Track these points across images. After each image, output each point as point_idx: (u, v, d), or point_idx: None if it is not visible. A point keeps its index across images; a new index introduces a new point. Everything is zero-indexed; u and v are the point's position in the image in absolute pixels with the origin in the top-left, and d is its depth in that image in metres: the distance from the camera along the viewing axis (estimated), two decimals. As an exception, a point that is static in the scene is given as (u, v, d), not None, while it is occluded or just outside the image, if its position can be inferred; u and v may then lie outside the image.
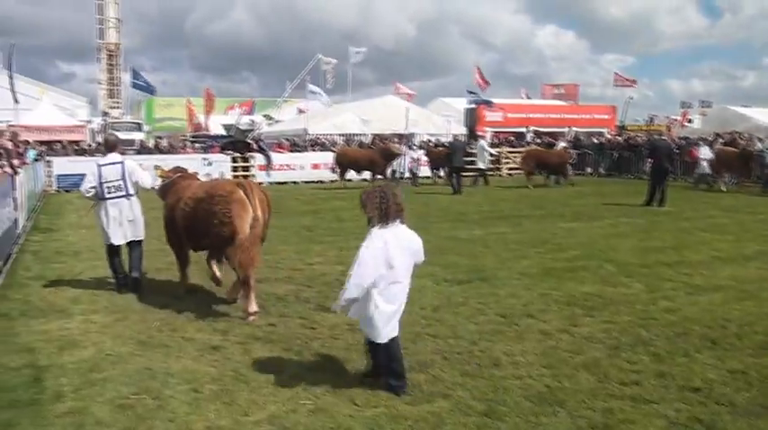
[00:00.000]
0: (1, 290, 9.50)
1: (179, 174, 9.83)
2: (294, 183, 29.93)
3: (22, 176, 15.53)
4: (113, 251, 9.39)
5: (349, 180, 27.66)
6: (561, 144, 30.82)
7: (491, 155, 29.83)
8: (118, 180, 9.18)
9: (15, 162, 14.65)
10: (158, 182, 9.95)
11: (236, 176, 28.34)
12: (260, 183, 28.04)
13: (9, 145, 17.95)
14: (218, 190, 8.26)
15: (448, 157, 25.83)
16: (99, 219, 9.35)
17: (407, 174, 29.02)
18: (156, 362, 6.41)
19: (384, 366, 5.70)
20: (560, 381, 5.83)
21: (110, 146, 9.76)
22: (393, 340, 5.64)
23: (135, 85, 43.74)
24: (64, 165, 27.20)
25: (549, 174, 27.85)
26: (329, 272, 10.43)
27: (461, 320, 7.72)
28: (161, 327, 7.56)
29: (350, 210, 18.67)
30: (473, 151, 28.21)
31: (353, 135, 38.66)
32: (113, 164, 9.26)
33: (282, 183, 29.34)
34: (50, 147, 31.27)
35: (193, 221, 8.43)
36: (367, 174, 27.67)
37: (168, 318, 7.96)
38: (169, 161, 21.78)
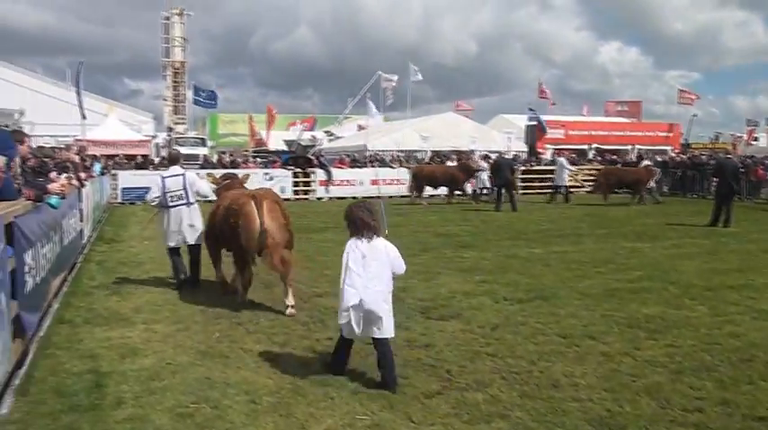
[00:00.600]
0: (66, 297, 9.71)
1: (227, 181, 10.71)
2: (353, 198, 30.02)
3: (88, 189, 15.87)
4: (174, 252, 10.45)
5: (410, 195, 27.67)
6: (645, 162, 30.32)
7: (570, 171, 29.65)
8: (180, 190, 10.23)
9: (82, 175, 14.96)
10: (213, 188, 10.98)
11: (296, 191, 28.77)
12: (319, 198, 28.80)
13: (76, 158, 18.42)
14: (234, 203, 9.14)
15: (493, 174, 25.66)
16: (161, 224, 10.46)
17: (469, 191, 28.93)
18: (216, 372, 6.46)
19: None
20: (621, 406, 5.67)
21: (172, 159, 11.05)
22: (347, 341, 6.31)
23: (196, 102, 44.45)
24: (129, 178, 28.14)
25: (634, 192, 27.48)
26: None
27: (520, 340, 7.60)
28: (221, 338, 7.63)
29: (407, 226, 18.66)
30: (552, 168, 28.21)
31: (412, 151, 38.75)
32: (176, 176, 10.37)
33: (342, 198, 29.54)
34: (117, 162, 32.09)
35: (222, 228, 9.35)
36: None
37: (228, 329, 8.04)
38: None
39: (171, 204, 10.20)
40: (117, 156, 34.48)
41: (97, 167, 22.25)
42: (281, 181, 29.27)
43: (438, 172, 28.21)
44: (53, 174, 11.06)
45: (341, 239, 15.36)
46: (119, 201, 27.76)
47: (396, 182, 31.45)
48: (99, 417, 5.37)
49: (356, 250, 6.09)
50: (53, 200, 8.57)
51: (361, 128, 47.88)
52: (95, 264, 12.68)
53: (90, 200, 16.43)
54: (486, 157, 32.19)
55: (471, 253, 13.93)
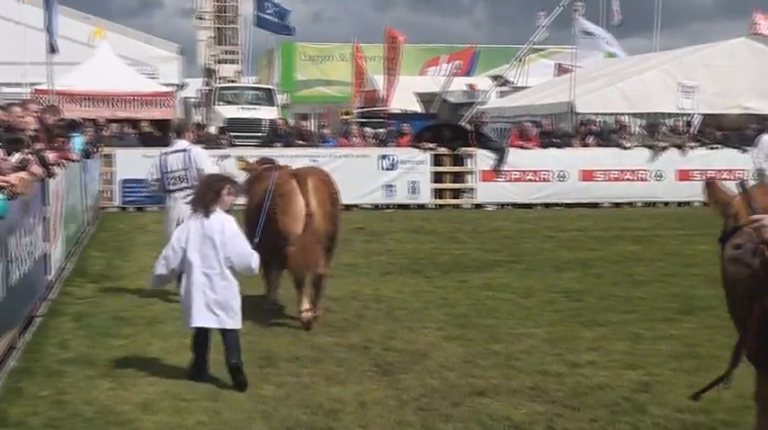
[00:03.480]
0: (12, 380, 9.69)
1: (266, 166, 12.53)
2: (545, 206, 29.56)
3: (59, 181, 16.06)
4: None
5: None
6: None
7: None
8: (180, 170, 13.26)
9: (50, 156, 14.75)
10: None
11: (439, 191, 28.43)
12: (479, 205, 28.47)
13: (38, 125, 17.85)
14: (273, 183, 11.84)
15: None
16: (164, 218, 13.98)
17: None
18: None
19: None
20: None
21: (179, 130, 14.62)
22: (200, 331, 9.21)
23: (260, 22, 44.93)
24: (133, 162, 27.23)
25: None
26: (612, 383, 9.89)
27: None
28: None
29: (648, 262, 18.23)
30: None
31: (664, 114, 37.28)
32: (178, 151, 13.52)
33: (526, 206, 29.04)
34: (114, 133, 32.28)
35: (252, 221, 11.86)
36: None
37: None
38: (321, 164, 22.60)
39: (171, 188, 13.37)
40: (115, 121, 34.58)
41: (77, 142, 22.69)
42: (411, 169, 29.35)
43: None
44: (-5, 155, 11.28)
45: (521, 285, 15.42)
46: (116, 203, 28.53)
47: (628, 174, 31.01)
48: None
49: (185, 229, 8.95)
50: (-7, 202, 8.83)
51: (562, 70, 47.44)
52: (71, 320, 12.90)
53: (62, 202, 16.71)
54: None
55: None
